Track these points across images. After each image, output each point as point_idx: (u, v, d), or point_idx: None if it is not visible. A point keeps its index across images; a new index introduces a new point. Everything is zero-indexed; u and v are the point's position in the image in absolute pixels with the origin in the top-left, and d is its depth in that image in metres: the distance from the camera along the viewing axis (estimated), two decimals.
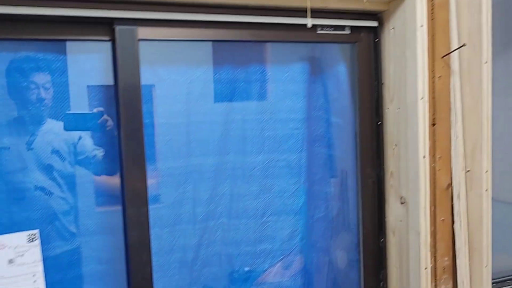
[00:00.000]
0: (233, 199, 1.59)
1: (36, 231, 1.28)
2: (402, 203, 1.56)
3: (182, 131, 1.50)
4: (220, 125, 1.54)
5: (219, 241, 1.60)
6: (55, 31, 1.24)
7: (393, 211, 1.61)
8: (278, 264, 1.65)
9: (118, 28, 1.26)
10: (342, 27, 1.52)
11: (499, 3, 2.13)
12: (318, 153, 1.68)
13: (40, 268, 1.29)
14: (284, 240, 1.67)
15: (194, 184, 1.53)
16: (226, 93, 1.55)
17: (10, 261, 1.26)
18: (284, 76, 1.59)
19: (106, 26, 1.28)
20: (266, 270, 1.66)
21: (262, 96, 1.58)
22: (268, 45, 1.55)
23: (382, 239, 1.65)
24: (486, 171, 1.56)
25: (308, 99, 1.64)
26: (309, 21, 1.29)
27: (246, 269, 1.64)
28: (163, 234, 1.49)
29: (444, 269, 1.59)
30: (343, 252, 1.71)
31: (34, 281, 1.28)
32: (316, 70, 1.64)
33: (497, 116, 1.82)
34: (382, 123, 1.61)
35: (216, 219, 1.58)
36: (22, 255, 1.27)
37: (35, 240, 1.28)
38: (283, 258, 1.67)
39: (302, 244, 1.69)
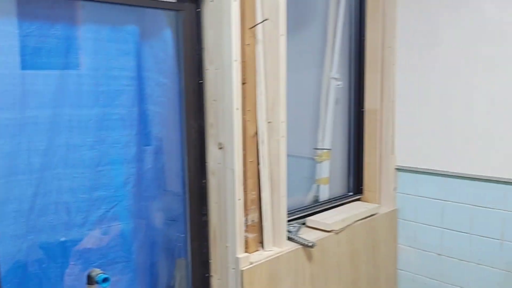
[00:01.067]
0: (70, 150, 1.69)
1: None
2: (220, 148, 1.89)
3: (17, 82, 1.54)
4: (56, 78, 1.62)
5: (55, 190, 1.69)
6: None
7: (212, 156, 1.93)
8: (114, 208, 1.82)
9: None
10: None
11: None
12: (148, 108, 1.88)
13: None
14: (118, 187, 1.84)
15: (27, 135, 1.59)
16: (61, 48, 1.63)
17: None
18: (117, 36, 1.74)
19: None
20: (101, 215, 1.81)
21: (96, 53, 1.70)
22: (104, 6, 1.68)
23: (204, 180, 1.95)
24: (282, 122, 1.99)
25: (139, 60, 1.82)
26: None
27: (82, 215, 1.76)
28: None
29: (252, 201, 1.98)
30: (172, 194, 1.97)
31: None
32: (147, 34, 1.83)
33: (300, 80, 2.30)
34: (203, 82, 1.90)
35: (52, 169, 1.66)
36: None
37: None
38: (118, 203, 1.84)
39: (135, 190, 1.88)
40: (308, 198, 2.71)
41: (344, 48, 2.71)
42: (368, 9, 2.58)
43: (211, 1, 1.82)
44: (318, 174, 2.71)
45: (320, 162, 2.71)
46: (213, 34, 1.84)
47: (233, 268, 1.89)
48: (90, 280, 1.53)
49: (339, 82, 2.70)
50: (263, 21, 1.87)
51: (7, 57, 1.52)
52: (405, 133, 2.59)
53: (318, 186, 2.72)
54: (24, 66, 1.56)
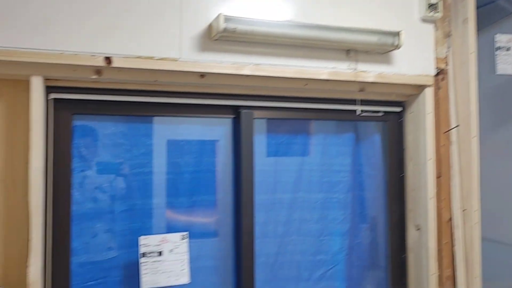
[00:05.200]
0: (301, 223, 2.35)
1: (186, 233, 2.07)
2: (417, 229, 2.30)
3: (272, 175, 2.30)
4: (295, 172, 2.34)
5: (290, 252, 2.35)
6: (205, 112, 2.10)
7: (411, 235, 2.34)
8: (331, 270, 2.38)
9: (242, 111, 2.11)
10: (377, 111, 2.33)
11: (488, 94, 2.94)
12: (359, 194, 2.44)
13: (186, 256, 2.06)
14: (335, 254, 2.40)
15: (276, 211, 2.31)
16: (299, 152, 2.36)
17: (171, 251, 2.04)
18: (338, 141, 2.40)
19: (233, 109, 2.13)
20: (321, 274, 2.38)
21: (323, 154, 2.38)
22: (330, 121, 2.38)
23: (404, 255, 2.37)
24: (475, 211, 2.29)
25: (353, 157, 2.43)
26: (358, 110, 2.12)
27: (308, 272, 2.37)
28: (256, 244, 2.24)
29: (447, 277, 2.29)
30: (376, 264, 2.43)
31: (183, 264, 2.06)
32: (359, 138, 2.44)
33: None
34: (404, 175, 2.38)
35: (289, 236, 2.34)
36: (177, 247, 2.06)
37: (185, 238, 2.07)
38: (334, 266, 2.39)
39: (347, 258, 2.42)
40: None
41: None
42: None
43: (411, 113, 2.33)
44: None
45: None
46: (412, 138, 2.33)
47: None
48: None
49: None
50: (455, 127, 2.28)
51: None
52: None
53: None
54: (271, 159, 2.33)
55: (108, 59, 1.76)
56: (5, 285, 1.76)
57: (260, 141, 2.27)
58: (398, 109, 2.38)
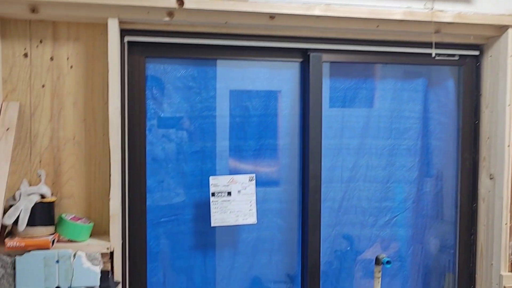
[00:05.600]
0: (368, 169, 2.33)
1: (253, 175, 2.12)
2: (491, 178, 2.22)
3: (339, 120, 2.28)
4: (363, 117, 2.30)
5: (356, 198, 2.35)
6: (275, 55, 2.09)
7: (483, 184, 2.27)
8: (397, 217, 2.36)
9: (311, 54, 2.08)
10: (453, 55, 2.22)
11: None
12: (429, 141, 2.37)
13: (254, 197, 2.12)
14: (401, 201, 2.38)
15: (343, 157, 2.30)
16: (366, 98, 2.31)
17: (239, 191, 2.11)
18: (409, 86, 2.32)
19: (302, 52, 2.10)
20: (387, 221, 2.37)
21: (393, 100, 2.31)
22: (402, 65, 2.30)
23: (475, 204, 2.31)
24: None
25: (424, 103, 2.35)
26: (433, 53, 2.02)
27: (373, 218, 2.37)
28: (322, 188, 2.26)
29: None
30: (445, 213, 2.39)
31: (250, 205, 2.12)
32: (431, 83, 2.34)
33: None
34: (478, 122, 2.28)
35: (355, 182, 2.33)
36: (245, 188, 2.12)
37: (252, 180, 2.12)
38: (399, 214, 2.38)
39: (414, 206, 2.39)
40: None
41: None
42: None
43: (490, 56, 2.20)
44: None
45: None
46: (490, 83, 2.20)
47: (497, 284, 2.17)
48: (377, 261, 2.11)
49: None
50: None
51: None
52: None
53: None
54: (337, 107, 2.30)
55: (180, 0, 1.78)
56: (89, 216, 1.90)
57: (327, 86, 2.24)
58: (475, 53, 2.25)
